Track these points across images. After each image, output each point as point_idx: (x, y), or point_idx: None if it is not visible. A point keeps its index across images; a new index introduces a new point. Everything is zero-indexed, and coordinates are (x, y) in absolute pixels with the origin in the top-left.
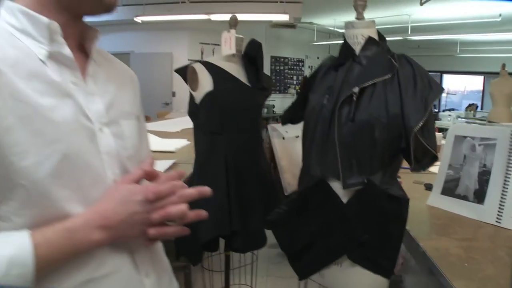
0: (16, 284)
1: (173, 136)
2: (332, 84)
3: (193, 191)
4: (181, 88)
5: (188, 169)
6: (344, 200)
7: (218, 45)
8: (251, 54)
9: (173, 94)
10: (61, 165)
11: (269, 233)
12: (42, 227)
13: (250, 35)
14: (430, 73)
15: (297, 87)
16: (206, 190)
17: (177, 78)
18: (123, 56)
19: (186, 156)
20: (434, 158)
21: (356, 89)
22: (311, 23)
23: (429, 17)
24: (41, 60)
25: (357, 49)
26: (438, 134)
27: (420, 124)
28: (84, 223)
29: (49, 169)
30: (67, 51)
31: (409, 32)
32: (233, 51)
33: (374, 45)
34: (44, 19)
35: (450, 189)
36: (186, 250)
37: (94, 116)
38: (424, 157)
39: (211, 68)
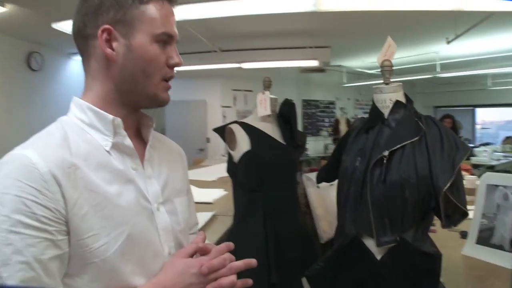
0: None
1: (209, 185)
2: (363, 146)
3: (241, 264)
4: (215, 134)
5: (227, 221)
6: (378, 257)
7: (250, 91)
8: (285, 114)
9: (207, 140)
10: (126, 244)
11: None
12: None
13: (281, 80)
14: (462, 108)
15: (329, 129)
16: (252, 262)
17: (211, 124)
18: None
19: (224, 208)
20: (464, 214)
21: (386, 153)
22: (339, 66)
23: (457, 53)
24: (106, 151)
25: (386, 112)
26: (472, 177)
27: (448, 184)
28: None
29: (116, 248)
30: (128, 142)
31: (438, 70)
32: (268, 112)
33: (401, 108)
34: (109, 116)
35: (485, 238)
36: None
37: (152, 197)
38: (455, 213)
39: (248, 128)
